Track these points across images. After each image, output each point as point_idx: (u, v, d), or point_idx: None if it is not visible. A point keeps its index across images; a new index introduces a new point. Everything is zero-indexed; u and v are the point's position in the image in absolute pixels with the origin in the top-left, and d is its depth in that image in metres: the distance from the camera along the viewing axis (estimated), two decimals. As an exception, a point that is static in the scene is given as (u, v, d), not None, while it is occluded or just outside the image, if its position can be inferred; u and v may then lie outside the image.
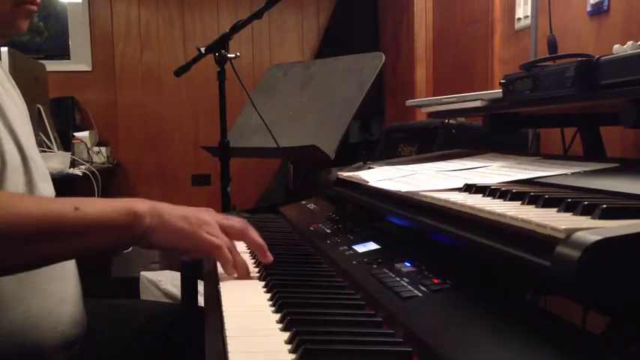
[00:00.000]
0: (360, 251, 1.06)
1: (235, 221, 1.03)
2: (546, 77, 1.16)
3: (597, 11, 1.96)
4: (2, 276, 0.92)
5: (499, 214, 0.72)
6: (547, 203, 0.75)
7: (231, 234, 1.00)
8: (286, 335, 0.72)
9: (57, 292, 1.02)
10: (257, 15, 1.95)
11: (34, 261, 0.88)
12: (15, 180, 0.99)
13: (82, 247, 0.88)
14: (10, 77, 1.16)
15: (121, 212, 0.89)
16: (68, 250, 0.89)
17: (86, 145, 3.66)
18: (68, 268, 1.08)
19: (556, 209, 0.72)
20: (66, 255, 0.93)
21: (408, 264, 0.91)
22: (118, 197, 1.30)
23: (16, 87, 1.16)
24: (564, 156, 1.49)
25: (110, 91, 4.43)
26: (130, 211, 0.89)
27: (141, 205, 0.91)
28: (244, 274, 1.00)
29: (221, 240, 0.97)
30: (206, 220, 0.96)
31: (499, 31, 2.72)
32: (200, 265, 1.30)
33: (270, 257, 1.03)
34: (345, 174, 1.38)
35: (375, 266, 0.94)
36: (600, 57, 1.04)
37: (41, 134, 2.71)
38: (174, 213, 0.94)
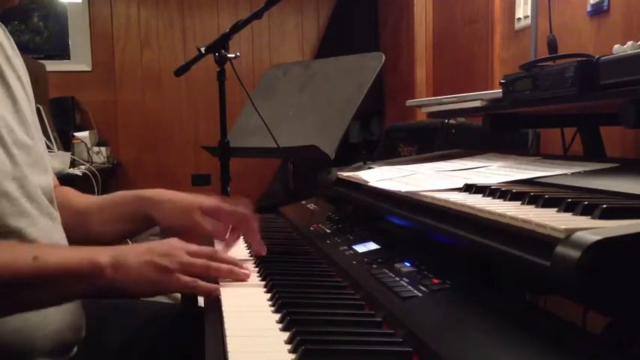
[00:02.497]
0: (360, 251, 1.06)
1: (203, 252, 0.97)
2: (546, 77, 1.16)
3: (597, 11, 1.96)
4: None
5: (499, 214, 0.72)
6: (547, 203, 0.75)
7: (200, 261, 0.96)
8: (286, 335, 0.72)
9: None
10: (257, 15, 1.95)
11: None
12: None
13: (43, 298, 0.88)
14: (12, 40, 1.09)
15: (84, 263, 0.87)
16: (26, 302, 0.87)
17: (86, 145, 3.66)
18: None
19: (556, 209, 0.72)
20: (26, 306, 0.90)
21: (408, 264, 0.91)
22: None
23: (18, 52, 1.10)
24: (564, 156, 1.49)
25: (110, 91, 4.44)
26: (93, 263, 0.87)
27: (103, 256, 0.88)
28: (239, 278, 0.98)
29: (192, 275, 0.92)
30: (174, 255, 0.92)
31: (499, 31, 2.72)
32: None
33: (239, 274, 0.99)
34: (345, 174, 1.38)
35: (375, 266, 0.94)
36: (600, 57, 1.04)
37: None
38: (140, 259, 0.90)
